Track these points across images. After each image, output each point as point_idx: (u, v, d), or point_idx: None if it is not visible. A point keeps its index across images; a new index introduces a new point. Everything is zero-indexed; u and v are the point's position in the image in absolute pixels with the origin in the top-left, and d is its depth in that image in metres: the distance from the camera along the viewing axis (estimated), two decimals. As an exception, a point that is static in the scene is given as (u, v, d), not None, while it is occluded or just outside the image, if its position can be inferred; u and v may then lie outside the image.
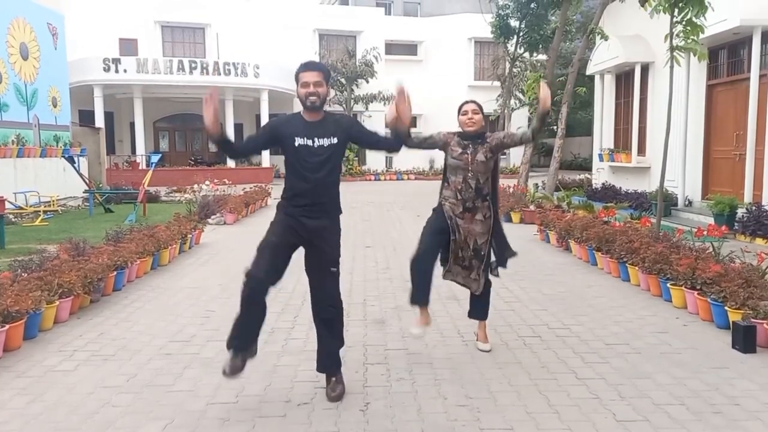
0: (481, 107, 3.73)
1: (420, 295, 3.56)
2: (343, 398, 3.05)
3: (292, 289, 5.32)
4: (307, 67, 3.01)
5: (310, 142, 2.96)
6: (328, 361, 3.13)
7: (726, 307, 4.07)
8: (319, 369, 3.17)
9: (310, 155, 2.95)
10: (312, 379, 3.30)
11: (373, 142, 3.21)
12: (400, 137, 3.18)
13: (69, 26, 15.83)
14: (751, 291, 4.03)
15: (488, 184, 3.64)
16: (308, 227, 2.97)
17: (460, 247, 3.63)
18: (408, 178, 24.46)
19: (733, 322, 3.86)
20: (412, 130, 3.63)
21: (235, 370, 2.95)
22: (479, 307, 3.82)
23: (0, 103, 12.32)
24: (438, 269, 3.69)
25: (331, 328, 3.12)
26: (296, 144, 2.95)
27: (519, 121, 24.04)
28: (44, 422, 2.81)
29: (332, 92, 23.61)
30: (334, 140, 2.99)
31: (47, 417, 2.88)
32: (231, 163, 22.24)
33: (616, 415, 2.86)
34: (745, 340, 3.67)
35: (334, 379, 3.10)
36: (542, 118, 3.52)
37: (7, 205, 8.82)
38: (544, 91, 3.42)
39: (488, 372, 3.42)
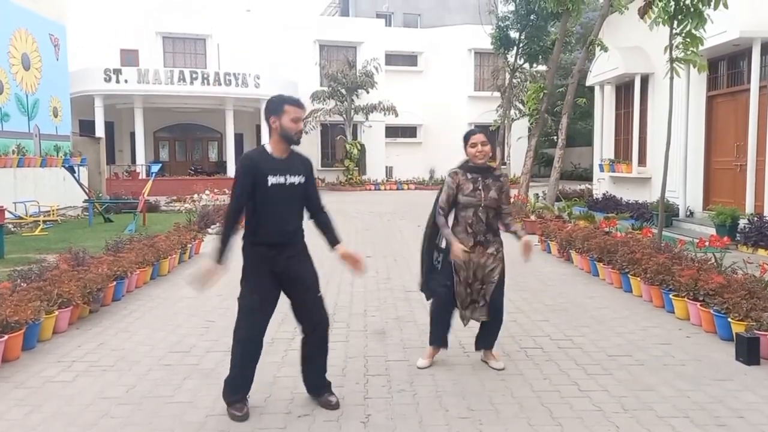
0: (488, 137, 3.69)
1: (438, 336, 3.66)
2: (341, 407, 3.03)
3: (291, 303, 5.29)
4: (299, 104, 2.96)
5: (282, 180, 2.89)
6: (322, 376, 3.13)
7: (729, 319, 4.04)
8: (314, 390, 3.12)
9: (283, 193, 2.89)
10: (312, 391, 3.27)
11: (308, 203, 3.06)
12: (320, 216, 3.11)
13: (70, 37, 15.91)
14: (754, 302, 4.01)
15: (497, 219, 3.62)
16: (281, 262, 2.93)
17: (468, 284, 3.56)
18: (408, 188, 24.48)
19: (736, 333, 3.83)
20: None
21: (246, 414, 2.92)
22: (490, 335, 3.71)
23: (1, 114, 12.36)
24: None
25: (322, 347, 3.11)
26: (269, 183, 2.86)
27: (519, 132, 24.11)
28: (42, 434, 2.79)
29: (332, 102, 23.72)
30: (302, 179, 2.96)
31: (45, 428, 2.85)
32: (231, 173, 22.27)
33: (619, 428, 2.83)
34: (748, 351, 3.65)
35: (326, 393, 3.10)
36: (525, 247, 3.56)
37: (7, 214, 8.81)
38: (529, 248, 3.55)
39: (490, 383, 3.39)
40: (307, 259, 3.06)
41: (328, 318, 3.13)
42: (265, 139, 3.13)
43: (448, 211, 3.59)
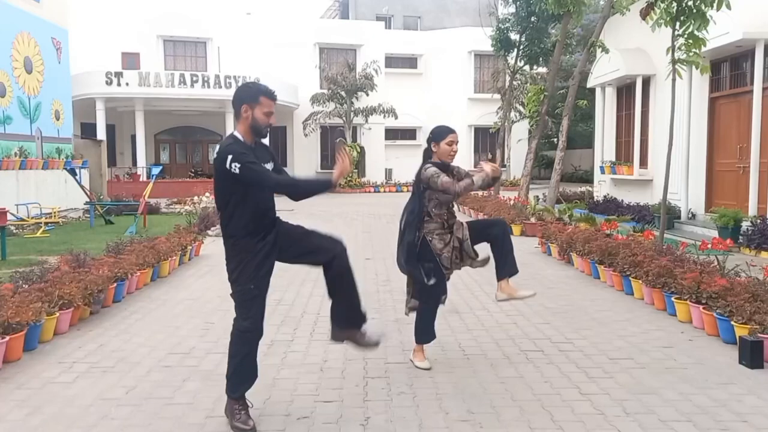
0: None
1: (432, 337, 3.70)
2: (340, 410, 3.01)
3: (292, 302, 5.29)
4: (274, 97, 2.89)
5: (269, 167, 2.88)
6: (355, 313, 3.08)
7: (732, 322, 4.02)
8: (343, 324, 3.08)
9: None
10: (312, 393, 3.26)
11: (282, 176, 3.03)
12: (298, 191, 2.99)
13: (72, 40, 15.95)
14: (757, 305, 3.97)
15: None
16: (272, 239, 2.90)
17: (455, 256, 3.59)
18: (407, 190, 24.30)
19: (739, 336, 3.81)
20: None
21: (253, 426, 2.84)
22: (508, 258, 3.59)
23: (4, 116, 12.38)
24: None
25: (349, 281, 3.03)
26: None
27: (519, 134, 24.13)
28: (41, 436, 2.79)
29: (332, 105, 23.74)
30: (272, 165, 2.94)
31: (46, 429, 2.85)
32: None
33: (621, 431, 2.81)
34: (752, 355, 3.62)
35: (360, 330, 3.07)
36: (489, 183, 3.52)
37: (9, 216, 8.82)
38: (487, 170, 3.45)
39: (490, 386, 3.37)
40: (283, 222, 3.01)
41: (339, 243, 3.01)
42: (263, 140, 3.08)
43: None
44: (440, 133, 3.60)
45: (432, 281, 3.54)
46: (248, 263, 2.84)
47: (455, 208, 3.70)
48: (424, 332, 3.71)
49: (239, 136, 2.85)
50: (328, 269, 3.02)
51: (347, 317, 3.12)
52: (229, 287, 2.93)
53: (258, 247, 2.85)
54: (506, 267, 3.62)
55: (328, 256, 2.99)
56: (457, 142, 3.63)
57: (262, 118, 2.82)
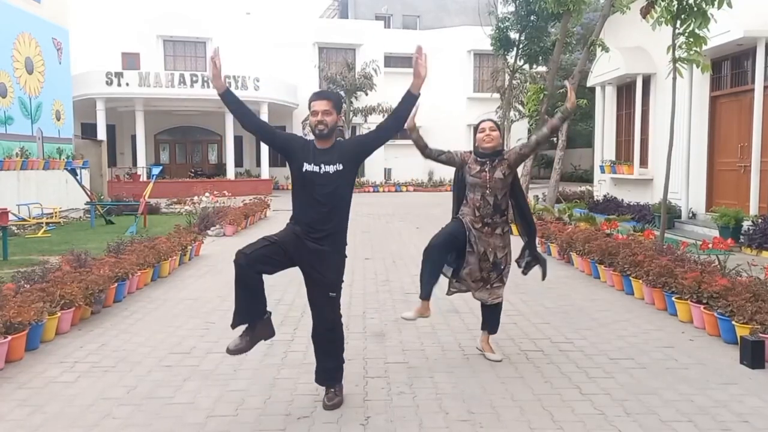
0: (498, 125, 3.78)
1: (426, 288, 3.61)
2: (340, 409, 3.03)
3: (291, 302, 5.29)
4: (317, 95, 3.07)
5: (317, 169, 2.98)
6: (324, 375, 3.15)
7: (733, 322, 4.01)
8: (317, 381, 3.19)
9: (317, 181, 2.97)
10: (312, 392, 3.26)
11: (376, 137, 3.18)
12: (400, 119, 3.19)
13: (73, 41, 15.95)
14: (759, 305, 3.97)
15: (506, 200, 3.69)
16: (309, 248, 2.98)
17: (479, 259, 3.65)
18: (407, 190, 24.46)
19: (741, 337, 3.81)
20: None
21: (238, 348, 2.95)
22: (493, 319, 3.85)
23: (5, 117, 12.38)
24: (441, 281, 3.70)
25: (327, 350, 3.13)
26: (304, 169, 2.99)
27: (519, 133, 24.09)
28: (42, 436, 2.79)
29: (331, 105, 23.69)
30: (340, 167, 3.00)
31: (48, 428, 2.85)
32: (230, 175, 22.31)
33: (622, 431, 2.81)
34: (753, 355, 3.62)
35: (332, 390, 3.11)
36: (567, 117, 3.69)
37: (10, 216, 8.82)
38: (572, 96, 3.62)
39: (490, 386, 3.37)
40: (332, 257, 3.02)
41: (337, 321, 3.10)
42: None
43: (436, 155, 3.79)
44: (476, 126, 3.82)
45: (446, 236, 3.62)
46: (284, 229, 3.09)
47: (502, 205, 3.66)
48: (427, 281, 3.62)
49: (313, 140, 3.10)
50: (317, 328, 3.12)
51: (320, 376, 3.16)
52: (230, 289, 3.02)
53: (296, 230, 3.01)
54: (492, 325, 3.86)
55: (317, 322, 3.09)
56: (492, 127, 3.70)
57: (311, 120, 3.07)
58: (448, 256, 3.68)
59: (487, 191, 3.61)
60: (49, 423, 2.91)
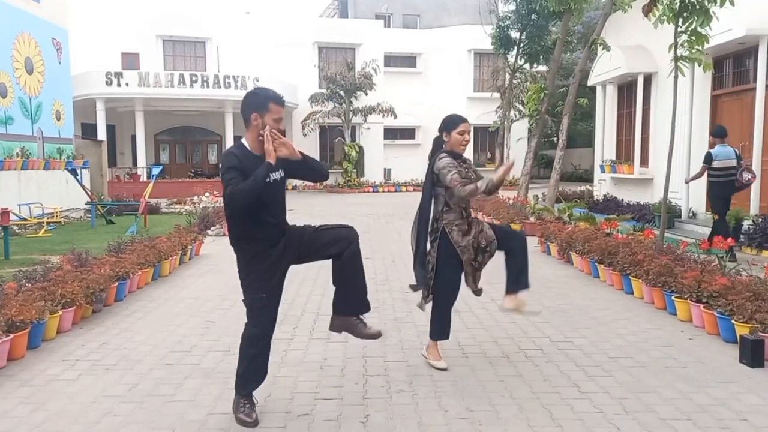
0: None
1: (448, 333, 3.66)
2: (339, 407, 3.01)
3: (291, 300, 5.30)
4: (282, 102, 2.83)
5: (276, 176, 2.78)
6: (356, 298, 3.03)
7: (733, 321, 4.02)
8: (345, 310, 3.04)
9: (273, 189, 2.79)
10: (312, 390, 3.28)
11: (305, 167, 2.93)
12: (322, 171, 3.04)
13: (72, 41, 15.94)
14: (758, 304, 3.97)
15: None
16: (280, 249, 2.86)
17: (480, 254, 3.54)
18: (406, 190, 24.44)
19: (740, 335, 3.81)
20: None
21: (254, 418, 2.86)
22: (521, 268, 3.55)
23: (5, 117, 12.39)
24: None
25: (355, 261, 2.99)
26: (269, 179, 2.76)
27: (519, 133, 24.09)
28: (46, 431, 2.81)
29: (331, 104, 23.73)
30: (282, 173, 2.86)
31: (50, 425, 2.87)
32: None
33: (620, 430, 2.82)
34: (752, 354, 3.63)
35: (363, 319, 3.05)
36: (492, 190, 3.42)
37: (12, 216, 8.83)
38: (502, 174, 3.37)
39: (489, 385, 3.38)
40: (293, 227, 2.98)
41: (351, 233, 3.00)
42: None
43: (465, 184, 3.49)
44: (452, 122, 3.54)
45: (442, 279, 3.56)
46: (258, 272, 2.84)
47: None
48: (435, 327, 3.66)
49: (246, 145, 2.82)
50: (339, 256, 2.98)
51: (351, 302, 3.06)
52: (235, 290, 2.97)
53: (267, 254, 2.83)
54: (520, 281, 3.57)
55: (342, 246, 2.96)
56: (470, 131, 3.56)
57: (272, 125, 2.75)
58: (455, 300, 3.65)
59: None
60: (51, 420, 2.92)
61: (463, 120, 3.56)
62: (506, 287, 3.60)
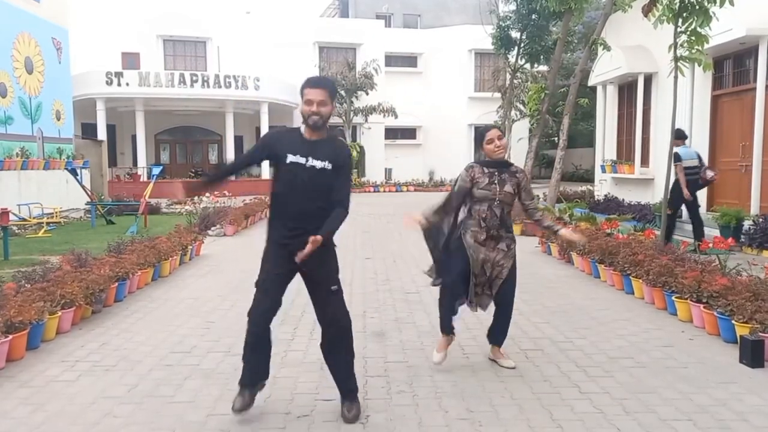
0: (501, 131, 3.73)
1: (449, 326, 3.65)
2: (339, 407, 2.99)
3: (292, 301, 5.29)
4: (312, 83, 2.83)
5: (303, 161, 2.78)
6: (339, 383, 2.98)
7: (733, 321, 4.02)
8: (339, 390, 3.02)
9: (301, 175, 2.77)
10: (312, 391, 3.28)
11: (333, 196, 2.84)
12: (344, 210, 2.85)
13: (73, 40, 15.94)
14: (759, 304, 3.97)
15: (510, 217, 3.63)
16: (296, 248, 2.73)
17: (476, 275, 3.58)
18: (407, 190, 24.44)
19: (740, 336, 3.81)
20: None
21: (243, 405, 2.89)
22: (500, 331, 3.72)
23: (5, 117, 12.39)
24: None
25: (338, 344, 2.96)
26: (288, 161, 2.79)
27: (520, 132, 24.07)
28: (44, 433, 2.81)
29: (331, 104, 23.69)
30: (328, 165, 2.79)
31: (49, 426, 2.87)
32: (231, 176, 22.26)
33: (621, 430, 2.82)
34: (753, 354, 3.63)
35: (344, 400, 2.97)
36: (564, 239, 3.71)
37: (11, 216, 8.83)
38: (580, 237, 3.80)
39: (490, 385, 3.38)
40: (325, 252, 2.80)
41: (345, 317, 2.95)
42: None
43: (456, 204, 3.60)
44: (480, 136, 3.70)
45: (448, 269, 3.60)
46: (266, 252, 2.92)
47: (507, 220, 3.59)
48: (439, 315, 3.70)
49: (301, 128, 2.91)
50: (323, 334, 3.00)
51: (337, 381, 3.00)
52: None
53: (278, 237, 2.86)
54: (499, 339, 3.76)
55: (332, 334, 2.95)
56: (499, 136, 3.58)
57: (303, 109, 2.83)
58: (463, 287, 3.61)
59: (495, 203, 3.52)
60: (51, 421, 2.92)
61: (488, 130, 3.67)
62: (491, 338, 3.78)
